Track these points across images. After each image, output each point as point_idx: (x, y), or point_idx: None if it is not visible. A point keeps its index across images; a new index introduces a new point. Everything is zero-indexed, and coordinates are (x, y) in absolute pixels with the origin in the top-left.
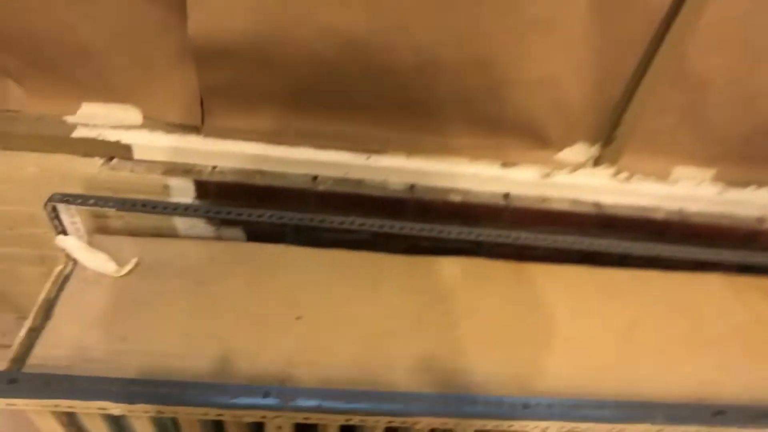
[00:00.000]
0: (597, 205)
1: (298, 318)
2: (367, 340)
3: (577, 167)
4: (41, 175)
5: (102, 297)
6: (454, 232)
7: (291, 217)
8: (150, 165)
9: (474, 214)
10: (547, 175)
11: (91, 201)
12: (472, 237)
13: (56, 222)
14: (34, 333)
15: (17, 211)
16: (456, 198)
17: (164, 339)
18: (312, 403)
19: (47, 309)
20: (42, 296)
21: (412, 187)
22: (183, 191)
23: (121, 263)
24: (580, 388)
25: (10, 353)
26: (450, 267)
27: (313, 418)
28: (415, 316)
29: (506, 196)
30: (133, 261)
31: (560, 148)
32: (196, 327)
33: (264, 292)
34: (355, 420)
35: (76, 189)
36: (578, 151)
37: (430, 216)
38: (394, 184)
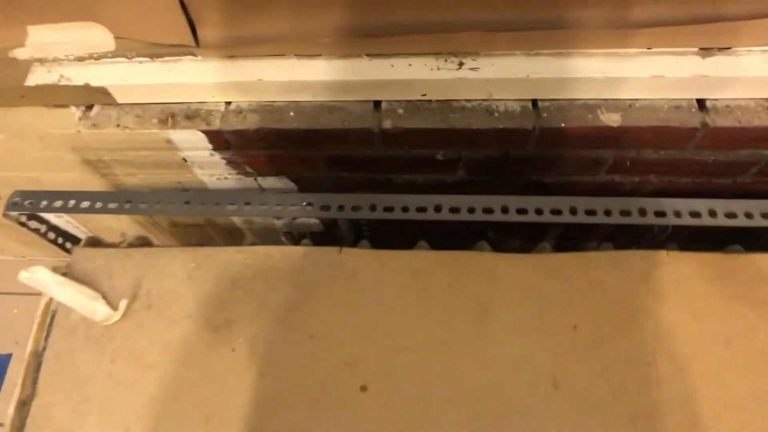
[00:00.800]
0: None
1: (363, 389)
2: (474, 424)
3: None
4: (10, 141)
5: (93, 358)
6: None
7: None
8: (140, 112)
9: (640, 142)
10: None
11: (58, 203)
12: (654, 219)
13: (36, 224)
14: (25, 409)
15: (18, 177)
16: (611, 119)
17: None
18: None
19: (35, 370)
20: (29, 347)
21: (534, 105)
22: (192, 144)
23: (115, 291)
24: None
25: None
26: (605, 271)
27: None
28: (550, 376)
29: (702, 105)
30: (123, 304)
31: None
32: (219, 411)
33: (308, 343)
34: None
35: (60, 152)
36: None
37: (566, 153)
38: (506, 105)
